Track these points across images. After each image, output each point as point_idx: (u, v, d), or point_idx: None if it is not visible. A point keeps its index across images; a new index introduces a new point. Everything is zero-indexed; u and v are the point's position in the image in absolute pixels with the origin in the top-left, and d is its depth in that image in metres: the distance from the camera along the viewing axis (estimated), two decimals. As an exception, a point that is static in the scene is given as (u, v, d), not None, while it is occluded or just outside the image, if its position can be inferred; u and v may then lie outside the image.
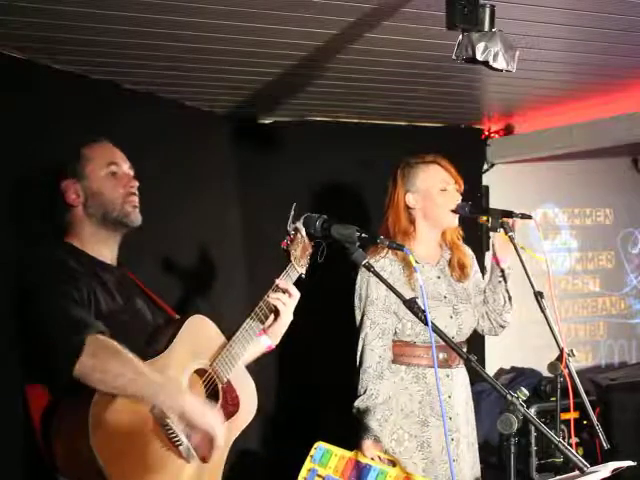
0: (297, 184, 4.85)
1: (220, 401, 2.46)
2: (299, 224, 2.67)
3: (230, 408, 2.48)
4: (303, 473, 3.04)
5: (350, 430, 3.11)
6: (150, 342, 2.39)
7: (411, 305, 2.31)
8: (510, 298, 3.30)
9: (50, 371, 2.21)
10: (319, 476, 3.02)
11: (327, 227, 2.51)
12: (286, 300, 2.62)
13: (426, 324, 2.27)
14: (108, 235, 2.47)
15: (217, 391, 2.46)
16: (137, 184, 2.50)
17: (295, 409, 4.77)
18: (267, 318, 2.62)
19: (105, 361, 2.16)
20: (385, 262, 3.12)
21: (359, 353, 3.14)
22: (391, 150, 4.36)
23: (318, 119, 5.04)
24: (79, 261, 2.38)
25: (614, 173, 6.25)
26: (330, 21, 3.24)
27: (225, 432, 2.35)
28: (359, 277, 3.16)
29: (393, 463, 3.04)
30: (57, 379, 2.20)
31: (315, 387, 4.72)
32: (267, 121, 4.98)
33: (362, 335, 3.13)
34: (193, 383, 2.41)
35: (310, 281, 4.79)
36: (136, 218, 2.48)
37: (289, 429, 4.70)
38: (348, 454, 3.05)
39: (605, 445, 2.99)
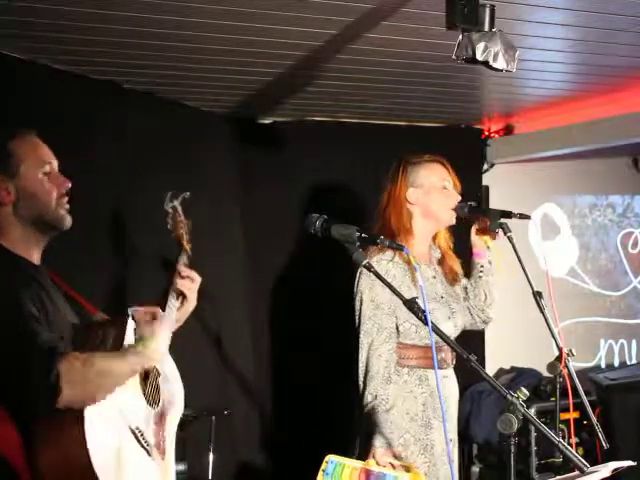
0: (297, 184, 4.86)
1: (162, 398, 2.46)
2: (176, 202, 2.75)
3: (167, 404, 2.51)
4: None
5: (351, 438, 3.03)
6: (94, 343, 2.31)
7: (411, 305, 2.29)
8: (490, 292, 3.25)
9: (20, 403, 2.07)
10: None
11: (327, 227, 2.48)
12: (190, 286, 2.66)
13: (426, 324, 2.26)
14: (37, 237, 2.33)
15: (158, 386, 2.46)
16: (69, 185, 2.34)
17: (303, 421, 4.73)
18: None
19: (85, 382, 2.09)
20: (389, 265, 3.01)
21: (365, 359, 2.95)
22: (391, 150, 4.36)
23: (318, 119, 5.04)
24: (16, 265, 2.26)
25: (614, 173, 6.25)
26: (330, 21, 3.24)
27: (168, 427, 2.43)
28: (361, 279, 3.01)
29: (407, 468, 2.89)
30: (29, 411, 2.08)
31: (322, 397, 4.68)
32: (267, 121, 4.98)
33: (367, 340, 2.96)
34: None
35: (316, 282, 4.72)
36: (67, 221, 2.35)
37: (297, 442, 4.65)
38: (360, 465, 2.87)
39: (605, 445, 2.98)
